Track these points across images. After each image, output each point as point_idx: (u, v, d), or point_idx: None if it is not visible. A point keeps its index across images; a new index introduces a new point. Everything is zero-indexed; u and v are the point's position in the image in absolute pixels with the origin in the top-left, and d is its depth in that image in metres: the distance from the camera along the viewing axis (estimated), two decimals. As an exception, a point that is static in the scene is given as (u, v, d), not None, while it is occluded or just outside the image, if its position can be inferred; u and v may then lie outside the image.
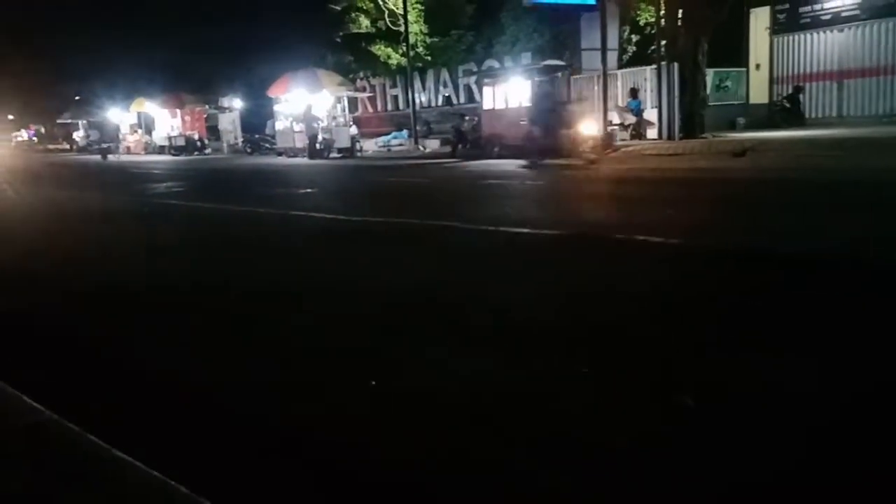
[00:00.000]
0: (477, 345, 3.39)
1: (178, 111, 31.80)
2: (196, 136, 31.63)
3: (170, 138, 31.75)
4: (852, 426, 2.38)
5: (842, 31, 19.95)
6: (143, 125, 34.64)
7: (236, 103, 31.68)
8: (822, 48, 20.47)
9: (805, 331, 3.34)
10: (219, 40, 32.28)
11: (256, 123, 29.59)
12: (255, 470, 2.25)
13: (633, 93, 19.81)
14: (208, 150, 31.33)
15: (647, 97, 19.81)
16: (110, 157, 29.76)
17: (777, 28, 21.32)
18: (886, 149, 12.77)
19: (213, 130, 33.13)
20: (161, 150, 32.31)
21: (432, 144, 23.84)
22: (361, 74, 30.48)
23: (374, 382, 2.98)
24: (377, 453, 2.33)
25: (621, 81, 20.89)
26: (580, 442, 2.35)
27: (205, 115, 33.03)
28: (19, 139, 50.30)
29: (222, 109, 31.97)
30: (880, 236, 5.36)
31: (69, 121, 42.01)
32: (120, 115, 36.17)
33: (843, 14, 19.87)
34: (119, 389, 3.05)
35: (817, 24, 20.49)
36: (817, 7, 20.40)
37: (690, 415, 2.48)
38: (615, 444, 2.31)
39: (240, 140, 30.52)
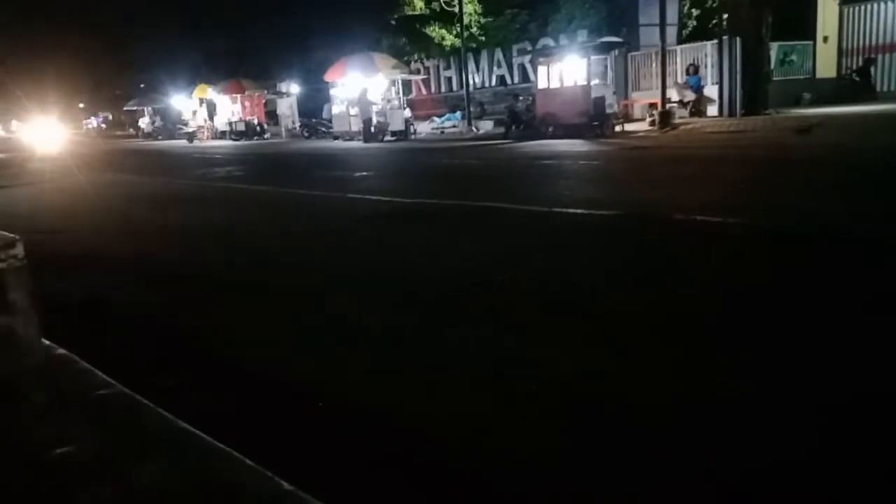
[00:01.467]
0: (526, 327, 3.43)
1: (238, 97, 32.49)
2: (255, 121, 32.28)
3: (230, 123, 32.49)
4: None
5: (918, -2, 18.90)
6: (206, 111, 35.57)
7: (294, 88, 32.14)
8: (895, 18, 19.43)
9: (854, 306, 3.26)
10: (277, 26, 32.87)
11: (313, 108, 30.01)
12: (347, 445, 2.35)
13: (693, 69, 19.25)
14: (267, 135, 31.95)
15: (708, 73, 19.23)
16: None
17: (847, -3, 20.35)
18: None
19: (272, 115, 33.75)
20: (222, 135, 33.12)
21: (486, 126, 23.74)
22: (416, 56, 30.51)
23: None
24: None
25: (681, 58, 20.33)
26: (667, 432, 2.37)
27: (264, 101, 33.65)
28: (89, 126, 52.33)
29: (280, 94, 32.49)
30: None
31: (135, 108, 43.43)
32: (183, 102, 37.22)
33: (920, -20, 18.80)
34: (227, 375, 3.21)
35: (892, -9, 19.45)
36: (892, -26, 19.36)
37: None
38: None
39: (297, 124, 30.99)
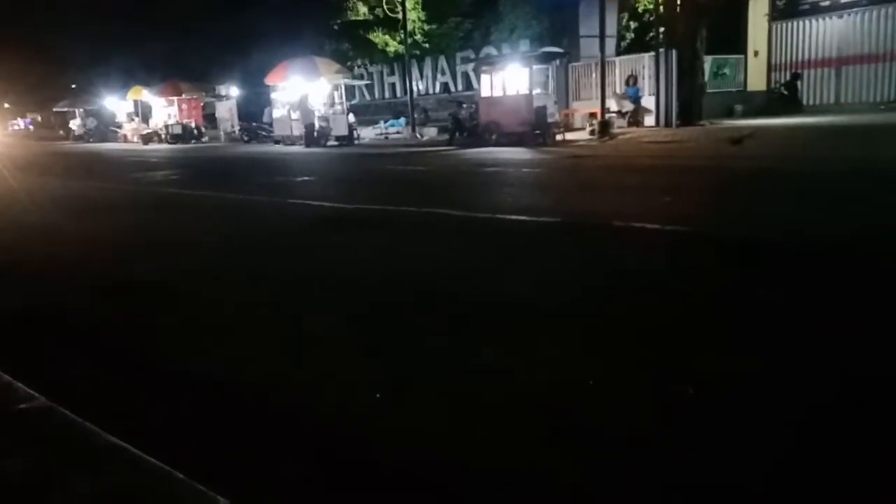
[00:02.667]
0: (472, 333, 3.42)
1: (175, 99, 31.67)
2: (193, 125, 31.53)
3: (167, 126, 31.64)
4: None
5: (841, 17, 19.89)
6: (140, 113, 34.51)
7: (233, 91, 31.52)
8: (820, 35, 20.41)
9: (790, 320, 3.37)
10: (216, 28, 32.10)
11: (254, 112, 29.49)
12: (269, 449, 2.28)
13: (632, 80, 19.76)
14: (205, 139, 31.23)
15: (645, 84, 19.77)
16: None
17: (776, 14, 21.26)
18: (883, 137, 12.76)
19: (210, 119, 33.01)
20: (158, 138, 32.23)
21: (430, 132, 23.79)
22: (359, 62, 30.38)
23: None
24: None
25: (619, 69, 20.84)
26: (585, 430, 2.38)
27: (202, 104, 32.90)
28: (16, 128, 50.05)
29: (219, 98, 31.81)
30: (876, 227, 5.39)
31: (66, 109, 41.78)
32: (116, 104, 36.01)
33: (843, 0, 19.80)
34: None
35: (817, 10, 20.43)
36: (816, -7, 20.33)
37: (690, 403, 2.51)
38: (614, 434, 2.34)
39: (237, 128, 30.42)
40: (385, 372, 2.97)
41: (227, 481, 1.94)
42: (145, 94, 32.89)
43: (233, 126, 30.72)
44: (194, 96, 32.21)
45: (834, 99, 20.17)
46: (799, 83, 20.42)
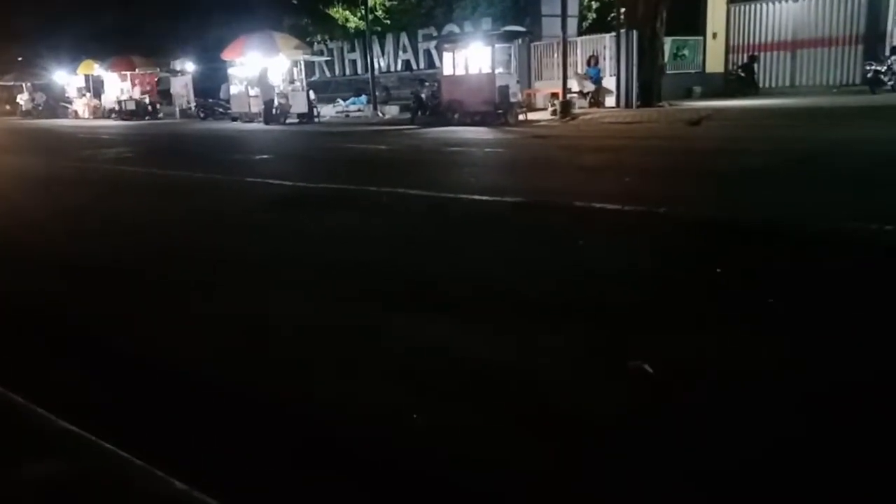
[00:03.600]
0: (434, 311, 3.39)
1: (128, 74, 30.69)
2: (147, 101, 30.63)
3: (119, 102, 30.67)
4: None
5: (796, 1, 20.22)
6: (92, 89, 33.36)
7: (189, 67, 30.64)
8: (776, 18, 20.73)
9: (756, 295, 3.43)
10: (171, 1, 31.14)
11: (210, 88, 28.72)
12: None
13: (594, 60, 19.80)
14: (160, 115, 30.41)
15: (606, 65, 19.82)
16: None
17: (734, -3, 21.51)
18: (834, 118, 13.08)
19: (166, 94, 32.09)
20: (110, 114, 31.24)
21: (391, 110, 23.55)
22: (319, 38, 29.79)
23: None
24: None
25: (581, 49, 20.85)
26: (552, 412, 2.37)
27: (156, 79, 31.94)
28: (-43, 102, 47.96)
29: (174, 73, 30.90)
30: (829, 204, 5.51)
31: (12, 83, 40.15)
32: (66, 78, 34.75)
33: (799, -16, 20.12)
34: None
35: (773, -7, 20.72)
36: (774, -24, 20.61)
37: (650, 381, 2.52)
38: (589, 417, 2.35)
39: (193, 105, 29.67)
40: (341, 350, 2.93)
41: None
42: (97, 69, 31.81)
43: (188, 102, 29.94)
44: (148, 71, 31.26)
45: (789, 81, 20.56)
46: (756, 66, 20.74)
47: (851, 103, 15.08)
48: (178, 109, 30.06)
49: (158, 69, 31.49)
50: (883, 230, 4.46)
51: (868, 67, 17.59)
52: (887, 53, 17.95)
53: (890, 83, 16.93)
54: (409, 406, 2.40)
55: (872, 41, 18.81)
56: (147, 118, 29.81)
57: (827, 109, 14.33)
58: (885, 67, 17.15)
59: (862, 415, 2.24)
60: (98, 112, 32.38)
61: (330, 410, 2.43)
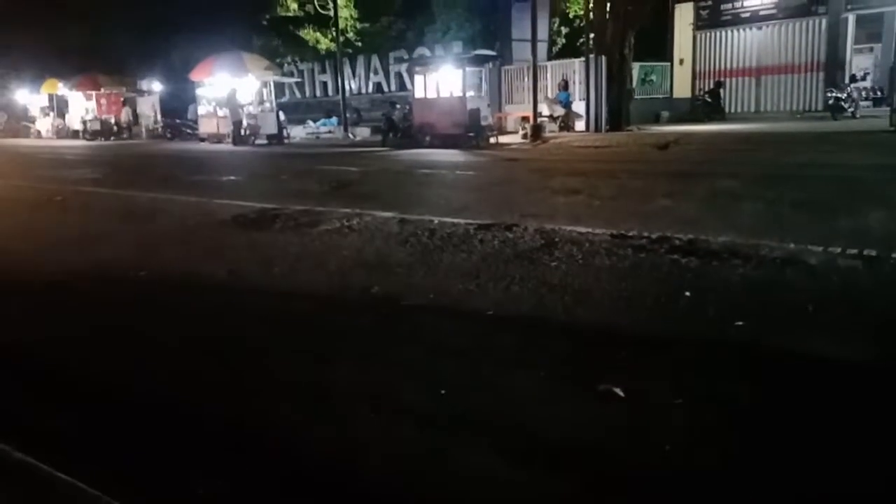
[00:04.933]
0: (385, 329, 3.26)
1: (93, 93, 30.19)
2: (113, 120, 30.13)
3: (84, 122, 30.12)
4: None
5: (760, 28, 20.73)
6: (56, 108, 32.72)
7: (156, 86, 30.28)
8: (741, 45, 21.21)
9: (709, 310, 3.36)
10: (138, 20, 30.70)
11: (178, 108, 28.35)
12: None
13: (564, 85, 20.00)
14: (125, 135, 29.92)
15: (576, 89, 20.04)
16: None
17: (700, 24, 21.96)
18: (796, 143, 13.35)
19: (132, 114, 31.60)
20: (75, 134, 30.65)
21: (362, 132, 23.47)
22: (289, 59, 29.70)
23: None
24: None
25: (551, 73, 21.06)
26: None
27: (122, 99, 31.46)
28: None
29: (141, 92, 30.51)
30: (793, 227, 5.52)
31: (-28, 102, 39.28)
32: (29, 97, 34.07)
33: (762, 12, 20.64)
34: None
35: (737, 21, 21.21)
36: (738, 4, 21.11)
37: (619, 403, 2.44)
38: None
39: (160, 125, 29.27)
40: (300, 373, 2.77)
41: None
42: (61, 88, 31.25)
43: (155, 122, 29.55)
44: (114, 91, 30.79)
45: (754, 107, 20.98)
46: (721, 91, 21.14)
47: (813, 129, 15.42)
48: (144, 129, 29.65)
49: (125, 88, 31.04)
50: (845, 252, 4.47)
51: (829, 94, 18.03)
52: (847, 81, 18.45)
53: (850, 110, 17.36)
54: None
55: (833, 69, 19.32)
56: (112, 138, 29.31)
57: (790, 135, 14.60)
58: (845, 94, 17.60)
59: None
60: (62, 132, 31.76)
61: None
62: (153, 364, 3.13)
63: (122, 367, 3.12)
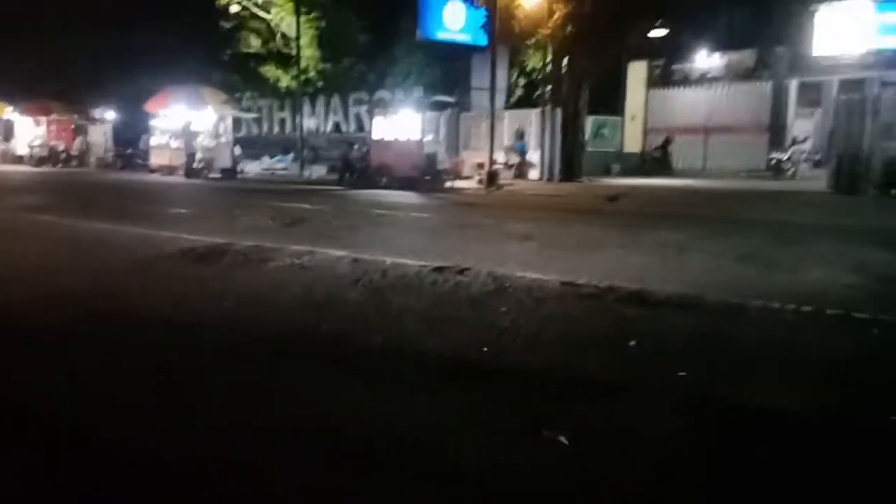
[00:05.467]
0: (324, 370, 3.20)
1: (43, 119, 29.49)
2: (61, 147, 29.39)
3: (31, 147, 29.32)
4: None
5: (709, 89, 21.64)
6: (3, 132, 31.79)
7: (109, 115, 29.77)
8: (691, 104, 22.09)
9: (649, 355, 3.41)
10: (94, 48, 30.23)
11: (130, 138, 27.82)
12: None
13: (520, 134, 20.41)
14: (74, 163, 29.20)
15: (531, 139, 20.47)
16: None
17: (652, 82, 22.83)
18: (738, 200, 13.89)
19: (83, 143, 30.89)
20: (19, 159, 29.77)
21: (318, 171, 23.43)
22: (249, 94, 29.62)
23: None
24: None
25: (508, 122, 21.50)
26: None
27: (73, 126, 30.77)
28: None
29: (93, 121, 29.93)
30: (737, 280, 5.68)
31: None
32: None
33: (710, 74, 21.60)
34: None
35: (688, 81, 22.14)
36: (688, 66, 22.06)
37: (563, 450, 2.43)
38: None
39: (111, 154, 28.69)
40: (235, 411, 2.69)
41: None
42: (9, 112, 30.47)
43: (106, 151, 28.96)
44: (65, 117, 30.14)
45: (701, 164, 21.75)
46: (670, 147, 21.89)
47: (756, 187, 16.05)
48: (94, 158, 29.00)
49: (76, 116, 30.42)
50: (784, 307, 4.60)
51: (772, 155, 18.84)
52: (789, 143, 19.32)
53: (791, 171, 18.15)
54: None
55: (776, 131, 20.25)
56: (60, 165, 28.57)
57: (734, 192, 15.17)
58: (787, 156, 18.41)
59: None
60: (7, 157, 30.82)
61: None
62: (78, 393, 3.00)
63: (42, 398, 2.98)
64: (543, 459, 2.44)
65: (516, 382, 3.24)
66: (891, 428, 2.79)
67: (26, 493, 2.23)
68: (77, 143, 29.78)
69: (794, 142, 19.31)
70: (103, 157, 28.77)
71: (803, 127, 20.91)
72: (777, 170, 18.14)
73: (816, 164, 19.29)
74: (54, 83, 30.27)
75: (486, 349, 3.74)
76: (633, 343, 3.86)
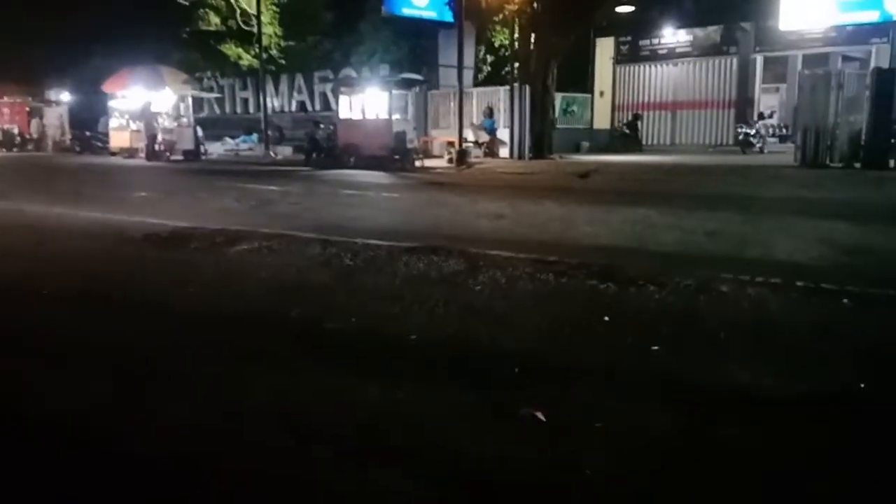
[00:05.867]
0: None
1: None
2: (16, 131, 28.46)
3: (-18, 131, 28.38)
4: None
5: (676, 65, 21.70)
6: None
7: (65, 97, 28.85)
8: (658, 80, 22.15)
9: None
10: (47, 27, 29.18)
11: (88, 120, 27.03)
12: None
13: (489, 112, 20.25)
14: (30, 147, 28.31)
15: (500, 117, 20.34)
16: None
17: (620, 58, 22.82)
18: (707, 175, 13.97)
19: (38, 126, 29.94)
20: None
21: (284, 151, 23.03)
22: (209, 74, 28.91)
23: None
24: None
25: (476, 100, 21.32)
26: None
27: (27, 109, 29.80)
28: None
29: (48, 103, 29.00)
30: (707, 256, 5.67)
31: None
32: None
33: (678, 50, 21.64)
34: None
35: (655, 57, 22.16)
36: (655, 41, 22.06)
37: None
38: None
39: (68, 137, 27.85)
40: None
41: None
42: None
43: (63, 134, 28.11)
44: (19, 100, 29.16)
45: (670, 140, 21.88)
46: (639, 123, 21.96)
47: (724, 162, 16.16)
48: (51, 142, 28.14)
49: (31, 98, 29.45)
50: (754, 281, 4.59)
51: (739, 130, 19.00)
52: (755, 118, 19.49)
53: (758, 145, 18.33)
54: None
55: (743, 106, 20.41)
56: (15, 150, 27.67)
57: (703, 167, 15.24)
58: (754, 131, 18.58)
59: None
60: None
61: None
62: (42, 382, 2.84)
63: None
64: (519, 437, 2.38)
65: (491, 362, 3.16)
66: (862, 397, 2.77)
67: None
68: (33, 127, 28.87)
69: (761, 116, 19.49)
70: (60, 140, 27.92)
71: (769, 101, 21.13)
72: (744, 144, 18.30)
73: (783, 139, 19.52)
74: (6, 65, 29.20)
75: (459, 329, 3.66)
76: (606, 318, 3.82)
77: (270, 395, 2.80)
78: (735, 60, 20.72)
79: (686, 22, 21.63)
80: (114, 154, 22.84)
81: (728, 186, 11.78)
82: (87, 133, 26.40)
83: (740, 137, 18.59)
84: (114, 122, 23.25)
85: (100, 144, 24.88)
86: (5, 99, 28.62)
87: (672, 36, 21.91)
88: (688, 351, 3.34)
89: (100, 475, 2.20)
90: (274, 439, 2.40)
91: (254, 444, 2.38)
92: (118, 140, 22.93)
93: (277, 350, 3.39)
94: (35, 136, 28.63)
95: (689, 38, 21.60)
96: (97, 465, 2.26)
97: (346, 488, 2.11)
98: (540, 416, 2.51)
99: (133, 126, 22.05)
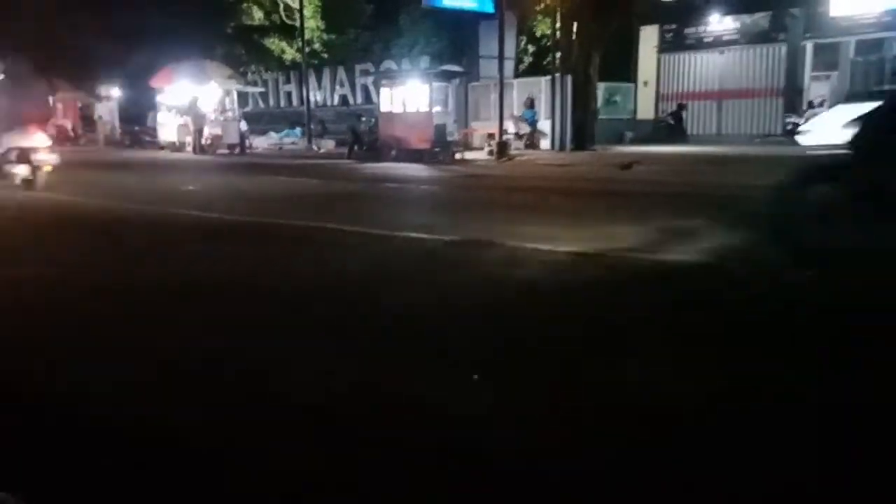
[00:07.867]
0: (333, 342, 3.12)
1: (50, 98, 29.40)
2: (69, 126, 29.34)
3: (37, 127, 29.29)
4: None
5: (722, 53, 21.18)
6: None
7: (115, 92, 29.60)
8: (704, 69, 21.64)
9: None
10: (98, 24, 29.94)
11: (137, 114, 27.73)
12: None
13: (529, 102, 20.10)
14: (82, 142, 29.15)
15: (542, 108, 20.16)
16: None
17: (664, 47, 22.35)
18: (754, 166, 13.58)
19: (89, 120, 30.81)
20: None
21: (327, 144, 23.26)
22: (253, 68, 29.35)
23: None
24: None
25: (517, 91, 21.18)
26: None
27: (79, 104, 30.69)
28: None
29: (99, 98, 29.81)
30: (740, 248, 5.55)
31: None
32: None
33: (724, 38, 21.11)
34: None
35: (701, 45, 21.65)
36: (701, 29, 21.56)
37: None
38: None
39: (118, 131, 28.60)
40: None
41: None
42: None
43: (113, 129, 28.87)
44: (71, 95, 30.03)
45: (716, 130, 21.38)
46: (684, 113, 21.51)
47: (771, 153, 15.72)
48: (102, 136, 28.93)
49: (83, 94, 30.31)
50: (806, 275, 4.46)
51: (787, 120, 18.47)
52: (804, 107, 18.92)
53: (808, 135, 17.77)
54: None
55: (791, 95, 19.82)
56: (68, 144, 28.52)
57: (749, 158, 14.86)
58: (803, 120, 18.02)
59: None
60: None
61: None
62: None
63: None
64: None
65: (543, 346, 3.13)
66: None
67: None
68: (82, 122, 29.72)
69: (811, 105, 18.90)
70: (110, 134, 28.67)
71: (819, 90, 20.46)
72: (793, 134, 17.78)
73: (833, 128, 18.86)
74: (58, 62, 30.06)
75: (502, 322, 3.65)
76: (646, 315, 3.77)
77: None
78: (784, 48, 20.10)
79: (733, 8, 21.05)
80: (162, 148, 23.36)
81: (774, 178, 11.44)
82: (137, 127, 27.07)
83: (789, 127, 18.07)
84: (161, 117, 23.77)
85: (148, 138, 25.48)
86: (59, 95, 29.44)
87: (718, 23, 21.35)
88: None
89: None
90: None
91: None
92: (166, 134, 23.45)
93: (319, 334, 3.40)
94: (82, 130, 29.44)
95: (736, 25, 21.03)
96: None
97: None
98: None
99: (180, 120, 22.50)
